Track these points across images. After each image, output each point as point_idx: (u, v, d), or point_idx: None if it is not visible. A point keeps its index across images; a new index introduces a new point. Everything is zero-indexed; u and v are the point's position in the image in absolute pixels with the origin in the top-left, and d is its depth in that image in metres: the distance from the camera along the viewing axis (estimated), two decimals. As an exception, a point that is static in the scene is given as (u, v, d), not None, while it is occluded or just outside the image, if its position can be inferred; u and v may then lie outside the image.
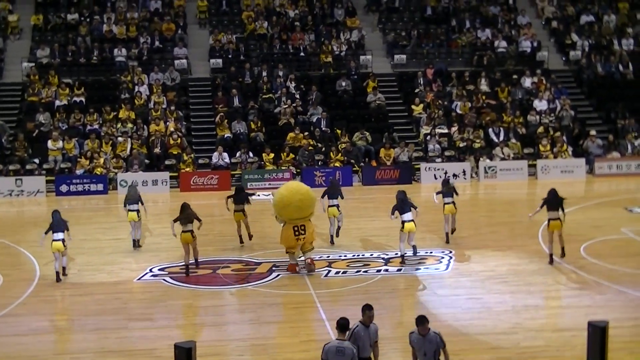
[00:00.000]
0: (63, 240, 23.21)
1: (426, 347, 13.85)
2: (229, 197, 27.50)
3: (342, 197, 27.10)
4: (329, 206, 26.69)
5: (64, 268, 23.57)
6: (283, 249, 24.36)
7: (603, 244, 26.81)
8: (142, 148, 38.75)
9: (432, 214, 27.53)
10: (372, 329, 14.19)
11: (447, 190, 26.85)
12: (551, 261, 24.25)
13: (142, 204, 26.84)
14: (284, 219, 23.99)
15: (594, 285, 22.60)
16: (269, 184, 36.51)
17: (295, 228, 23.68)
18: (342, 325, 13.81)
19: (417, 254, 24.72)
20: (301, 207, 23.71)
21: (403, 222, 24.14)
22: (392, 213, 24.49)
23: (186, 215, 23.83)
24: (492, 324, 19.70)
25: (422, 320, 13.92)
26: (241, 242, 26.90)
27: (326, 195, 26.82)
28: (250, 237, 27.02)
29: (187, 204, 24.23)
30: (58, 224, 23.36)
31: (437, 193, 27.12)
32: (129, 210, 26.63)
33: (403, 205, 24.29)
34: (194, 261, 24.20)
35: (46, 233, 23.45)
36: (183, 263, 24.03)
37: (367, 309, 14.21)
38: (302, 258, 24.08)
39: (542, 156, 39.42)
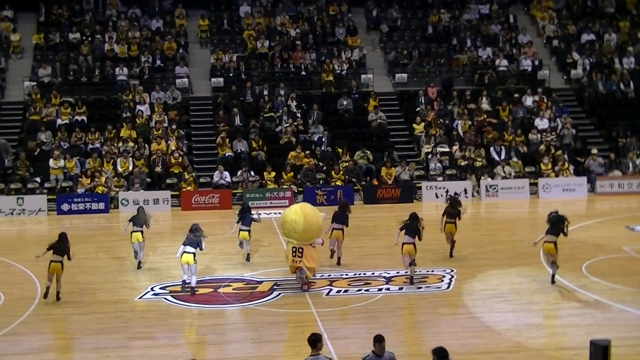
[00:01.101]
0: (61, 263, 23.19)
1: None
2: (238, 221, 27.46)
3: (347, 225, 26.87)
4: (334, 229, 26.66)
5: (58, 292, 23.45)
6: (284, 268, 24.39)
7: (605, 262, 26.79)
8: (143, 167, 38.75)
9: (433, 233, 27.48)
10: (386, 359, 14.05)
11: (453, 211, 26.89)
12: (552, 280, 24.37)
13: (148, 227, 26.88)
14: (283, 237, 24.03)
15: (595, 304, 22.57)
16: (270, 203, 36.50)
17: (294, 249, 23.70)
18: (312, 340, 13.92)
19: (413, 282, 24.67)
20: (294, 229, 23.65)
21: (403, 244, 24.07)
22: (401, 230, 24.38)
23: (191, 239, 23.82)
24: (493, 343, 19.66)
25: (437, 355, 13.62)
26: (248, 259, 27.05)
27: (334, 221, 26.71)
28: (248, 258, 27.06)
29: (197, 225, 24.24)
30: (59, 246, 23.30)
31: (444, 214, 27.07)
32: (134, 231, 26.60)
33: (410, 227, 24.22)
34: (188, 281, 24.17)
35: (47, 250, 23.40)
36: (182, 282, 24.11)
37: (378, 340, 13.97)
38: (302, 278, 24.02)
39: (544, 175, 39.41)
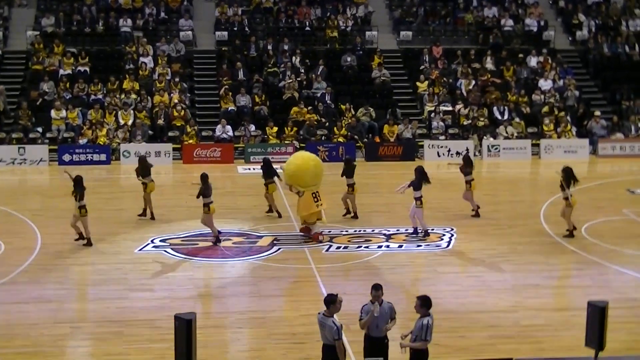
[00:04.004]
0: (82, 207, 23.44)
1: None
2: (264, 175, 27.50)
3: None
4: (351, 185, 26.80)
5: (83, 235, 23.75)
6: (284, 222, 24.53)
7: (604, 224, 26.83)
8: (145, 119, 38.71)
9: (435, 191, 27.52)
10: (384, 308, 14.25)
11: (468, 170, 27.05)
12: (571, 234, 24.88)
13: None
14: (302, 187, 24.32)
15: (594, 265, 22.64)
16: (272, 158, 36.34)
17: (314, 195, 24.13)
18: (326, 301, 13.97)
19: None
20: (316, 173, 24.59)
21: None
22: (409, 186, 24.52)
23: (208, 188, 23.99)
24: (492, 302, 19.74)
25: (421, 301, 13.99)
26: (279, 215, 27.13)
27: (344, 175, 26.87)
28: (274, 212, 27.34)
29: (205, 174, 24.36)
30: (76, 190, 23.54)
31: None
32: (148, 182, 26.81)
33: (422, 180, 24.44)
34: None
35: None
36: (185, 234, 24.19)
37: (374, 288, 14.26)
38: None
39: (546, 136, 39.39)
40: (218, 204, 26.01)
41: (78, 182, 23.61)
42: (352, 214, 26.95)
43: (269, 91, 41.40)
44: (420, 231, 24.79)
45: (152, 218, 26.69)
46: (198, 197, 23.84)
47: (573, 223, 24.89)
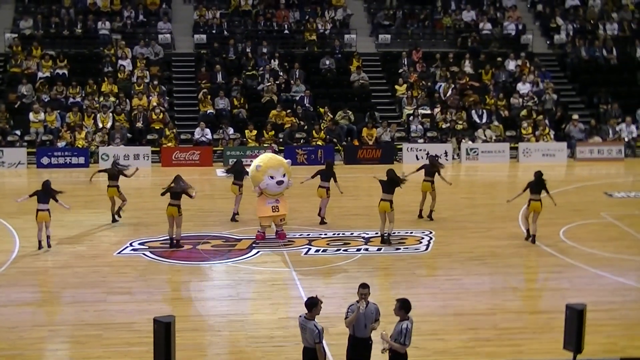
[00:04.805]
0: (48, 211, 23.36)
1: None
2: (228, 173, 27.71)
3: (336, 180, 26.96)
4: (321, 187, 26.76)
5: (48, 237, 23.63)
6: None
7: (582, 227, 26.95)
8: (124, 122, 38.62)
9: (412, 194, 27.58)
10: (371, 309, 14.28)
11: (432, 170, 27.05)
12: (533, 240, 24.47)
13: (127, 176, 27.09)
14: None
15: (572, 268, 22.73)
16: (251, 161, 36.27)
17: None
18: (307, 303, 14.03)
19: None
20: None
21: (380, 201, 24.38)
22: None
23: (177, 189, 23.87)
24: (470, 305, 19.78)
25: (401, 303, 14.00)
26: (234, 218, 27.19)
27: (318, 176, 26.86)
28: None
29: (179, 176, 24.31)
30: (45, 194, 23.37)
31: (421, 168, 27.31)
32: (110, 185, 26.74)
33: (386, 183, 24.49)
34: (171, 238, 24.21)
35: (30, 196, 23.59)
36: (165, 237, 24.14)
37: (360, 287, 14.32)
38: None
39: (524, 139, 39.53)
40: (197, 207, 26.02)
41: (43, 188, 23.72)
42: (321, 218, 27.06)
43: (248, 94, 41.36)
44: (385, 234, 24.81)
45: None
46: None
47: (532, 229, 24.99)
